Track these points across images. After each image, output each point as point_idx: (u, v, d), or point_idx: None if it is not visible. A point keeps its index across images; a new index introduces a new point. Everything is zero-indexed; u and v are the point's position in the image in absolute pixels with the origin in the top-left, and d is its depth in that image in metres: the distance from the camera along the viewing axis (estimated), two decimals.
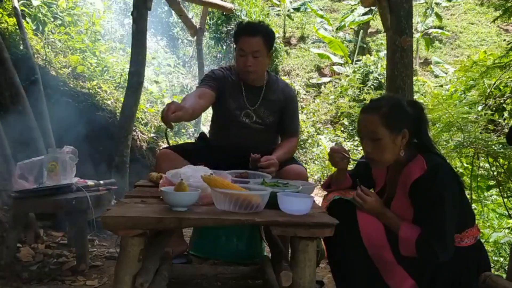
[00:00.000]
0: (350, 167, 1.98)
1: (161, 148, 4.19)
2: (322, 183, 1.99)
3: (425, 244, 1.46)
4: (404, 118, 1.58)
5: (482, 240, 1.74)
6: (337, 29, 11.87)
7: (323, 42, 11.58)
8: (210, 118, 2.83)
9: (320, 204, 1.76)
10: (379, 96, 1.87)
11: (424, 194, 1.49)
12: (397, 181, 1.60)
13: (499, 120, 4.88)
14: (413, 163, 1.54)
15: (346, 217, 1.56)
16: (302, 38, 13.05)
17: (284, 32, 12.84)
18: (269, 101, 2.36)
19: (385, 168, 1.72)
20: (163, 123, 1.90)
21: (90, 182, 2.47)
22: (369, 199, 1.58)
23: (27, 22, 4.37)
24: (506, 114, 5.02)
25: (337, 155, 1.76)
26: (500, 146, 3.22)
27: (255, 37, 2.20)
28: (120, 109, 3.76)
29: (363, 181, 1.68)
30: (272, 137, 2.46)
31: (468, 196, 2.51)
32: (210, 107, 2.36)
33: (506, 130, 3.89)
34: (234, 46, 2.29)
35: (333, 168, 1.86)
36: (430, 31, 11.94)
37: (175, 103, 1.87)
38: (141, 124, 4.84)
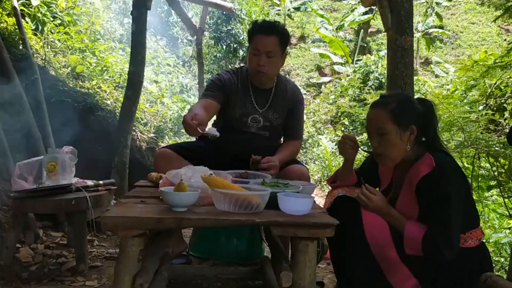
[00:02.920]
0: (357, 164, 1.96)
1: (159, 147, 4.18)
2: (322, 182, 1.98)
3: (431, 242, 1.45)
4: (412, 115, 1.58)
5: (483, 240, 1.73)
6: (337, 28, 11.87)
7: (324, 42, 11.59)
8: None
9: (320, 205, 1.75)
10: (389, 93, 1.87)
11: (430, 192, 1.47)
12: (404, 179, 1.59)
13: (500, 120, 4.89)
14: (421, 161, 1.53)
15: (350, 215, 1.55)
16: (302, 38, 13.06)
17: None
18: (278, 104, 2.31)
19: (391, 167, 1.71)
20: (187, 133, 1.86)
21: (90, 182, 2.45)
22: (374, 197, 1.57)
23: (27, 22, 4.36)
24: (506, 114, 5.03)
25: (348, 142, 1.75)
26: (501, 146, 3.22)
27: (270, 36, 2.13)
28: (119, 109, 3.76)
29: (368, 179, 1.67)
30: (276, 144, 2.42)
31: None
32: None
33: (507, 130, 3.89)
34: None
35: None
36: (430, 30, 11.94)
37: (189, 114, 1.85)
38: (141, 124, 4.83)
